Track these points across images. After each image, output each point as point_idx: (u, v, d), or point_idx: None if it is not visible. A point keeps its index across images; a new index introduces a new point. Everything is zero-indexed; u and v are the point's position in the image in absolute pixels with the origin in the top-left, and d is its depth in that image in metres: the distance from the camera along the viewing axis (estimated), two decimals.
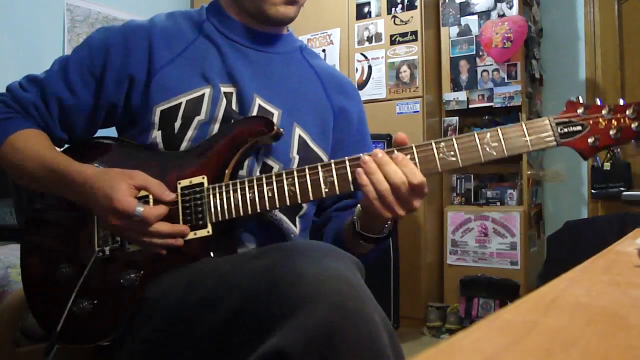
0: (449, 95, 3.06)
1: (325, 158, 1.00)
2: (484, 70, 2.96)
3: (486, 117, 3.01)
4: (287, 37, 1.05)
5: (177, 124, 0.90)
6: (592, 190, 2.92)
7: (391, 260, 2.69)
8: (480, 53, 2.96)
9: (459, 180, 3.06)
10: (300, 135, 0.97)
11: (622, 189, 2.72)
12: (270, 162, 0.94)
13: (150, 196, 0.83)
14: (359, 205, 0.88)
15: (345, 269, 0.64)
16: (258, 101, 0.95)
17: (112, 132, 1.02)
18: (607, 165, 2.67)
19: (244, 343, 0.62)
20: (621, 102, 0.75)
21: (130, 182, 0.81)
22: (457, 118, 3.05)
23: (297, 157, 0.96)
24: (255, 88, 0.95)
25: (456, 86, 3.05)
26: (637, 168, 2.78)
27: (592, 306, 0.42)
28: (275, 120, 0.95)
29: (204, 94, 0.92)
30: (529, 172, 2.89)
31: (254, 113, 0.94)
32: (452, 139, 0.78)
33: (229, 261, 0.75)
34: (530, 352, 0.30)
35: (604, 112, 0.75)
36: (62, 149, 0.96)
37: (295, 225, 0.99)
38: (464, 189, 3.04)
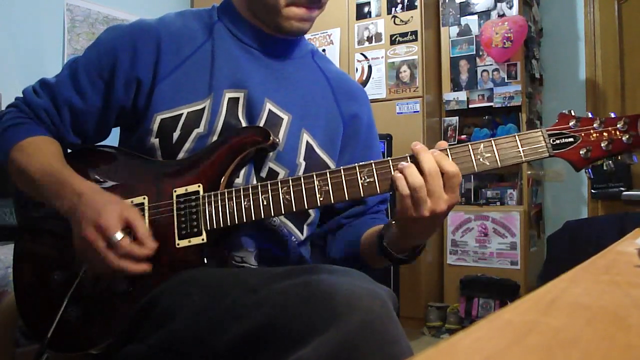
0: (449, 95, 3.06)
1: (331, 164, 1.00)
2: (484, 70, 2.96)
3: (486, 117, 3.01)
4: (299, 42, 1.03)
5: (176, 135, 0.90)
6: (592, 190, 2.93)
7: None
8: (480, 53, 2.96)
9: None
10: (307, 142, 0.97)
11: (622, 189, 2.72)
12: (276, 167, 0.93)
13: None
14: (390, 220, 0.87)
15: (380, 290, 0.63)
16: (269, 106, 0.94)
17: (114, 133, 1.02)
18: (605, 165, 2.66)
19: (268, 358, 0.61)
20: (612, 115, 0.77)
21: (124, 213, 0.80)
22: (457, 118, 3.05)
23: (303, 163, 0.95)
24: (266, 92, 0.95)
25: (456, 86, 3.05)
26: (637, 168, 2.78)
27: (592, 306, 0.42)
28: (284, 125, 0.95)
29: (205, 107, 0.91)
30: (529, 172, 2.89)
31: (264, 117, 0.93)
32: (445, 150, 0.78)
33: (256, 275, 0.74)
34: (530, 352, 0.30)
35: (595, 124, 0.77)
36: (66, 154, 0.96)
37: (302, 233, 0.99)
38: (464, 189, 3.04)
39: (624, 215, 2.36)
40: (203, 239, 0.83)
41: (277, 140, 0.90)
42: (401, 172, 0.77)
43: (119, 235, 0.78)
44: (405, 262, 0.88)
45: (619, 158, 0.78)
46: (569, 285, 0.50)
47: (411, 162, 0.77)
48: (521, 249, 2.77)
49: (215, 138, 0.90)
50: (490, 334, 0.34)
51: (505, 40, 2.80)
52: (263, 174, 0.93)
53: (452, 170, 0.75)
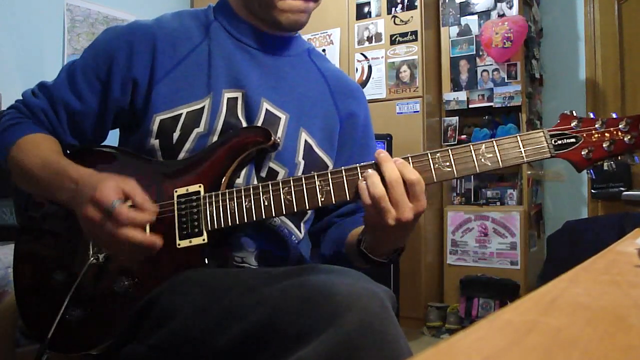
0: (449, 95, 3.06)
1: (330, 163, 1.00)
2: (484, 70, 2.96)
3: (486, 117, 3.01)
4: (295, 40, 1.04)
5: (176, 135, 0.90)
6: (592, 190, 2.92)
7: None
8: (480, 53, 2.96)
9: (459, 180, 3.06)
10: (306, 140, 0.97)
11: (622, 189, 2.72)
12: (275, 167, 0.93)
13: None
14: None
15: (378, 290, 0.63)
16: (266, 105, 0.94)
17: (113, 135, 1.02)
18: (607, 165, 2.67)
19: (267, 358, 0.61)
20: (614, 115, 0.77)
21: (120, 184, 0.79)
22: (457, 118, 3.05)
23: (302, 162, 0.96)
24: (263, 92, 0.95)
25: (456, 86, 3.05)
26: (637, 168, 2.78)
27: (592, 306, 0.42)
28: (282, 124, 0.95)
29: (204, 106, 0.91)
30: (529, 172, 2.89)
31: (262, 117, 0.93)
32: (447, 150, 0.78)
33: (254, 275, 0.74)
34: (530, 352, 0.30)
35: (597, 125, 0.77)
36: (66, 155, 0.96)
37: (300, 231, 0.99)
38: (464, 189, 3.04)
39: (624, 215, 2.36)
40: (204, 240, 0.83)
41: (278, 140, 0.90)
42: (365, 180, 0.77)
43: (115, 203, 0.76)
44: (384, 264, 0.88)
45: (620, 159, 0.78)
46: (569, 285, 0.50)
47: (376, 170, 0.77)
48: (521, 249, 2.77)
49: (215, 137, 0.90)
50: (490, 334, 0.34)
51: (505, 40, 2.80)
52: (263, 174, 0.93)
53: (413, 178, 0.75)
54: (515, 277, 2.76)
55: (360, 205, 1.03)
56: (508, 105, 2.88)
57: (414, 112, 2.98)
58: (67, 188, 0.83)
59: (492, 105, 2.93)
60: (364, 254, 0.87)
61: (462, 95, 3.01)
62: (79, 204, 0.79)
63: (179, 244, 0.83)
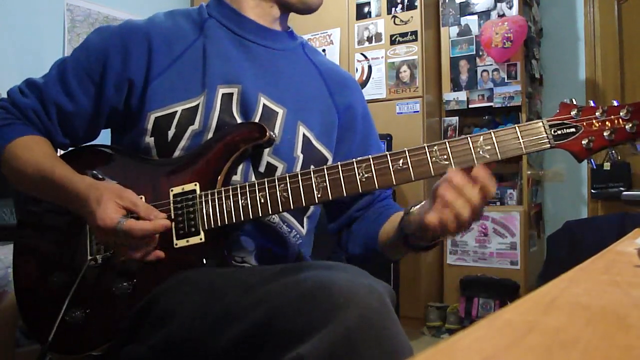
0: (449, 95, 3.06)
1: (328, 156, 1.00)
2: (484, 70, 2.96)
3: (486, 117, 3.01)
4: (289, 34, 1.04)
5: (171, 133, 0.90)
6: (592, 190, 2.92)
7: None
8: (480, 53, 2.96)
9: None
10: (304, 134, 0.97)
11: (622, 189, 2.72)
12: (274, 161, 0.93)
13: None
14: (412, 212, 0.84)
15: (377, 286, 0.63)
16: (263, 100, 0.94)
17: (105, 134, 1.02)
18: (607, 165, 2.67)
19: (267, 356, 0.61)
20: (615, 103, 0.75)
21: (118, 202, 0.80)
22: (457, 118, 3.05)
23: (301, 155, 0.96)
24: (260, 87, 0.95)
25: (456, 86, 3.05)
26: (637, 168, 2.78)
27: (592, 306, 0.42)
28: (279, 119, 0.95)
29: (199, 104, 0.91)
30: (529, 172, 2.89)
31: (259, 112, 0.94)
32: (445, 143, 0.77)
33: (253, 274, 0.74)
34: (530, 352, 0.30)
35: (597, 113, 0.75)
36: (61, 155, 0.96)
37: (303, 226, 0.99)
38: None
39: (624, 215, 2.36)
40: (201, 239, 0.83)
41: (274, 135, 0.90)
42: (450, 201, 0.75)
43: (122, 223, 0.78)
44: (430, 248, 0.87)
45: (619, 157, 0.77)
46: (569, 285, 0.50)
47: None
48: (521, 249, 2.77)
49: (210, 134, 0.90)
50: (490, 334, 0.34)
51: (505, 40, 2.80)
52: (261, 169, 0.93)
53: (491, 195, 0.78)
54: (515, 277, 2.76)
55: (376, 194, 1.04)
56: (508, 105, 2.88)
57: (414, 112, 2.98)
58: (69, 201, 0.84)
59: (492, 105, 2.93)
60: (408, 242, 0.86)
61: (462, 95, 3.01)
62: (90, 224, 0.84)
63: (176, 244, 0.83)
